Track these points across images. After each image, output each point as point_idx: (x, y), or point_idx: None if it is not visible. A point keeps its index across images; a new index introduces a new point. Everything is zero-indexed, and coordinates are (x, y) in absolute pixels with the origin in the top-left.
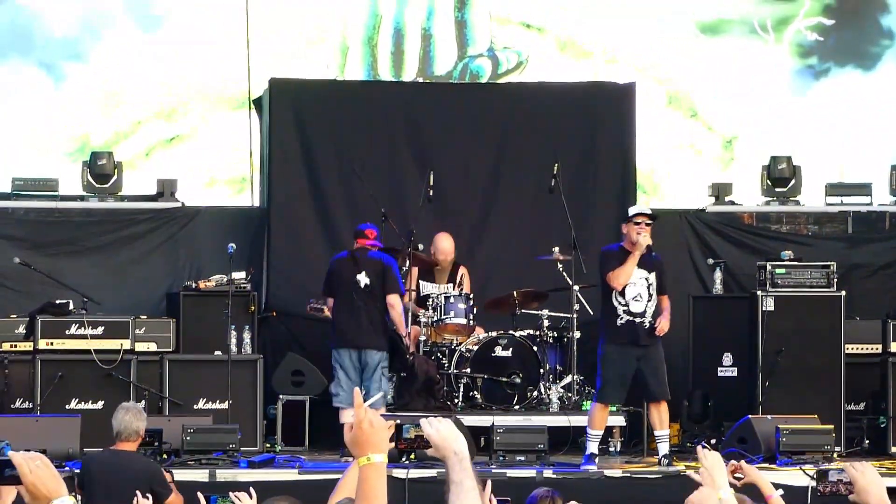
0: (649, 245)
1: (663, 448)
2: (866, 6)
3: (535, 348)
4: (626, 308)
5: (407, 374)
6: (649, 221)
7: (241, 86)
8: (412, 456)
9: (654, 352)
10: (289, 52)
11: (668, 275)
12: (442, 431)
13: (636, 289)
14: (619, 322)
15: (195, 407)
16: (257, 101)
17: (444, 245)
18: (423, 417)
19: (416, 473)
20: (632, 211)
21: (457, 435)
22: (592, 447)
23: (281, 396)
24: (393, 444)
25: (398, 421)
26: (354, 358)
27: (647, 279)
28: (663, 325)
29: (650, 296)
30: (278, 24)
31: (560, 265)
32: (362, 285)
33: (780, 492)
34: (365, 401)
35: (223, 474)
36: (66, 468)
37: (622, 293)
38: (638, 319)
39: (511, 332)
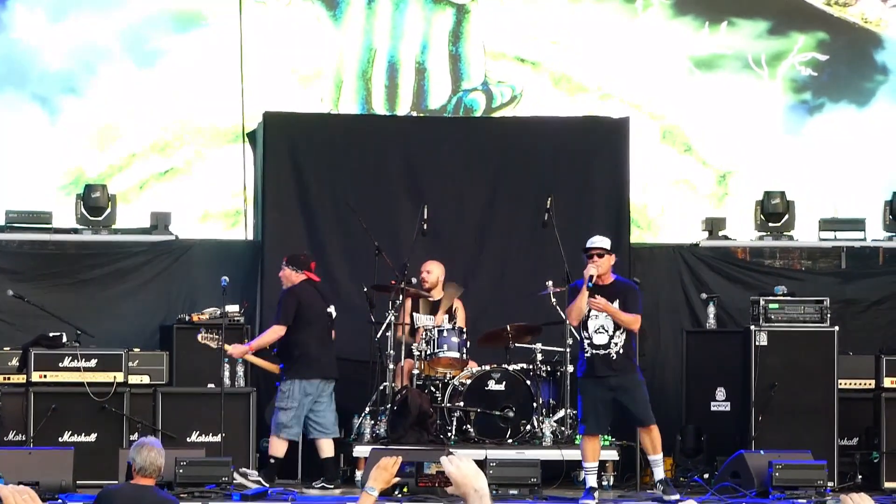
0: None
1: (658, 473)
2: (860, 42)
3: (528, 382)
4: (589, 341)
5: (400, 408)
6: (601, 253)
7: (234, 119)
8: (405, 489)
9: (627, 380)
10: (283, 85)
11: (639, 297)
12: (462, 469)
13: (598, 321)
14: (586, 356)
15: (188, 440)
16: (251, 134)
17: (430, 266)
18: (416, 450)
19: None
20: (587, 243)
21: (477, 472)
22: (591, 481)
23: None
24: (393, 481)
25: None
26: (317, 388)
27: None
28: (596, 301)
29: (616, 326)
30: (272, 57)
31: (553, 299)
32: (334, 316)
33: None
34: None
35: None
36: (59, 500)
37: (584, 327)
38: (602, 352)
39: (504, 365)
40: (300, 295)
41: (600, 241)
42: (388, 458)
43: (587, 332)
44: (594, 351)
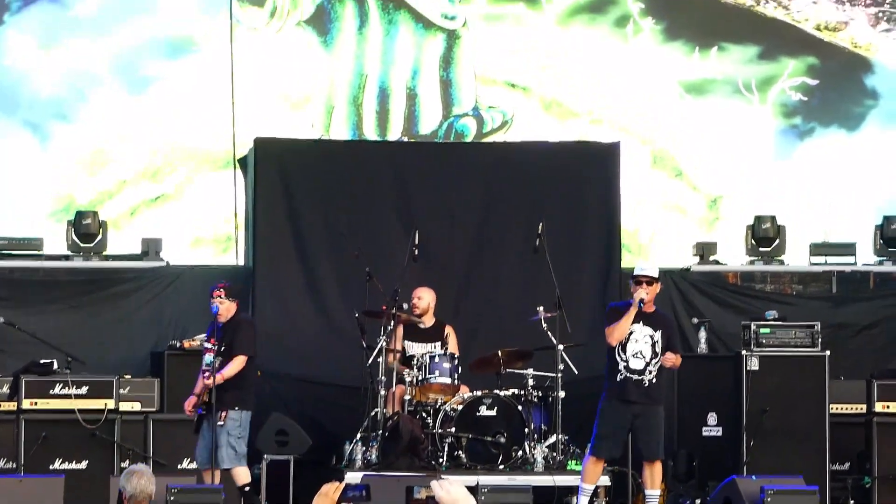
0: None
1: None
2: (850, 66)
3: (519, 408)
4: (625, 364)
5: (391, 434)
6: (652, 280)
7: (226, 145)
8: None
9: (651, 411)
10: (274, 111)
11: (678, 334)
12: (452, 493)
13: (637, 346)
14: (618, 378)
15: (179, 467)
16: (242, 160)
17: (421, 292)
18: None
19: None
20: (636, 271)
21: (466, 497)
22: (583, 502)
23: (265, 456)
24: None
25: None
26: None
27: (651, 336)
28: (669, 356)
29: (654, 354)
30: (263, 83)
31: (545, 324)
32: None
33: None
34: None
35: None
36: None
37: (623, 349)
38: (636, 377)
39: (496, 391)
40: (254, 325)
41: (651, 270)
42: (330, 485)
43: (624, 354)
44: (628, 374)
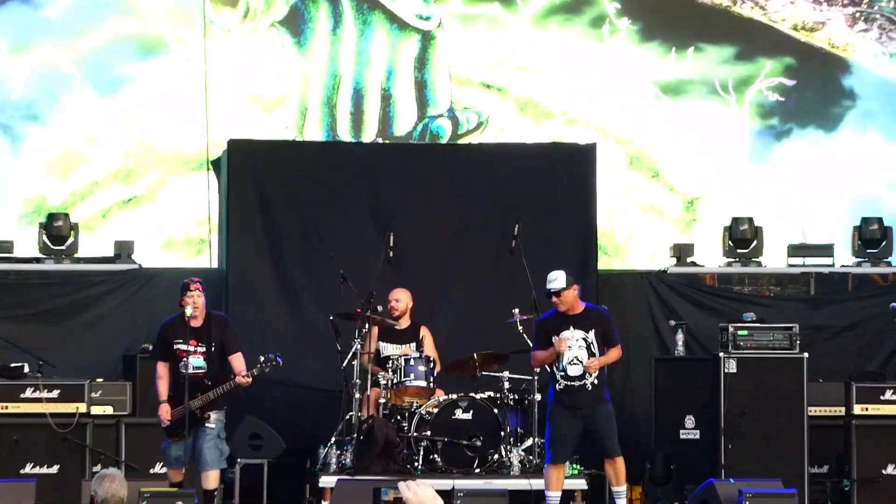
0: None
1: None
2: (828, 67)
3: (495, 411)
4: (563, 374)
5: (366, 438)
6: (559, 292)
7: (198, 146)
8: None
9: (599, 412)
10: (247, 112)
11: (614, 325)
12: (420, 495)
13: (572, 352)
14: (558, 387)
15: (151, 472)
16: (215, 162)
17: (398, 294)
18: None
19: None
20: (545, 286)
21: (434, 498)
22: None
23: (239, 460)
24: None
25: None
26: None
27: (585, 339)
28: (591, 362)
29: (591, 355)
30: (237, 84)
31: (520, 327)
32: None
33: None
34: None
35: None
36: None
37: (557, 358)
38: (577, 383)
39: (471, 394)
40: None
41: (555, 282)
42: None
43: (560, 364)
44: (568, 383)
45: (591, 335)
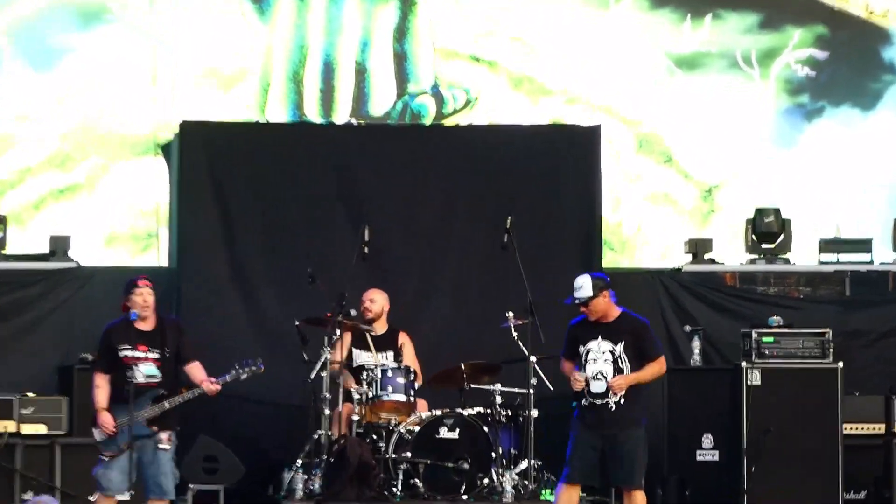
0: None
1: None
2: (864, 36)
3: (486, 429)
4: (587, 389)
5: (337, 460)
6: (585, 302)
7: (146, 129)
8: None
9: (623, 436)
10: (202, 90)
11: (654, 335)
12: None
13: (596, 366)
14: (583, 403)
15: (90, 498)
16: (165, 146)
17: (373, 295)
18: None
19: None
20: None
21: None
22: None
23: (191, 486)
24: None
25: None
26: None
27: (611, 352)
28: (617, 381)
29: (618, 371)
30: (190, 58)
31: (515, 333)
32: None
33: None
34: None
35: None
36: None
37: (581, 371)
38: (599, 401)
39: (458, 409)
40: None
41: (580, 290)
42: None
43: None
44: (591, 400)
45: (620, 348)
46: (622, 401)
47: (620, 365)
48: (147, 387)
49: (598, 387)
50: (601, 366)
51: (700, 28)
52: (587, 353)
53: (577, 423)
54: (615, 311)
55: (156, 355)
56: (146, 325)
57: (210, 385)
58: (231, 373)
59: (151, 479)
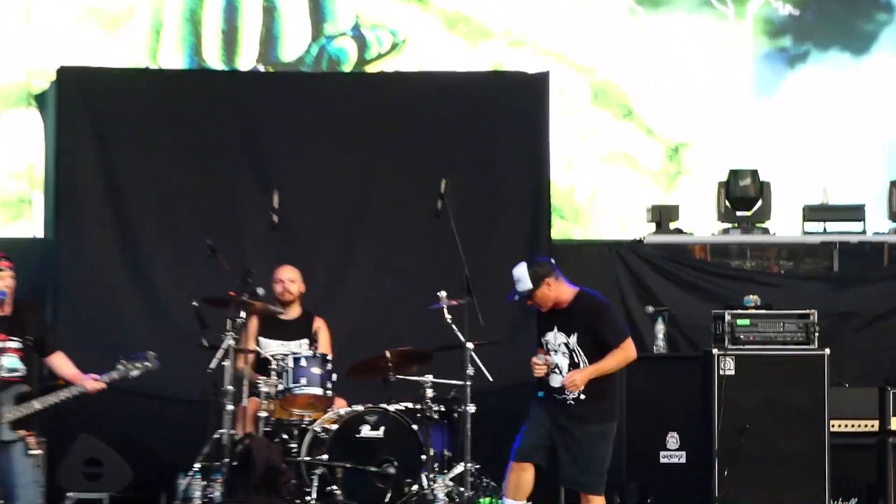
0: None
1: None
2: None
3: (414, 427)
4: (546, 381)
5: (242, 463)
6: (524, 296)
7: (17, 77)
8: None
9: (582, 434)
10: (83, 32)
11: (615, 316)
12: None
13: (554, 359)
14: (540, 393)
15: None
16: (40, 96)
17: (282, 274)
18: None
19: None
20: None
21: None
22: None
23: (70, 494)
24: None
25: None
26: None
27: (566, 344)
28: (570, 378)
29: (573, 365)
30: None
31: (449, 316)
32: None
33: None
34: None
35: None
36: None
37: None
38: (557, 396)
39: (383, 405)
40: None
41: (519, 284)
42: None
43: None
44: (551, 394)
45: (573, 340)
46: (582, 396)
47: (576, 359)
48: (9, 382)
49: (555, 381)
50: (558, 359)
51: None
52: (547, 344)
53: (535, 403)
54: (568, 294)
55: (17, 345)
56: (3, 311)
57: (93, 383)
58: (118, 368)
59: (19, 489)
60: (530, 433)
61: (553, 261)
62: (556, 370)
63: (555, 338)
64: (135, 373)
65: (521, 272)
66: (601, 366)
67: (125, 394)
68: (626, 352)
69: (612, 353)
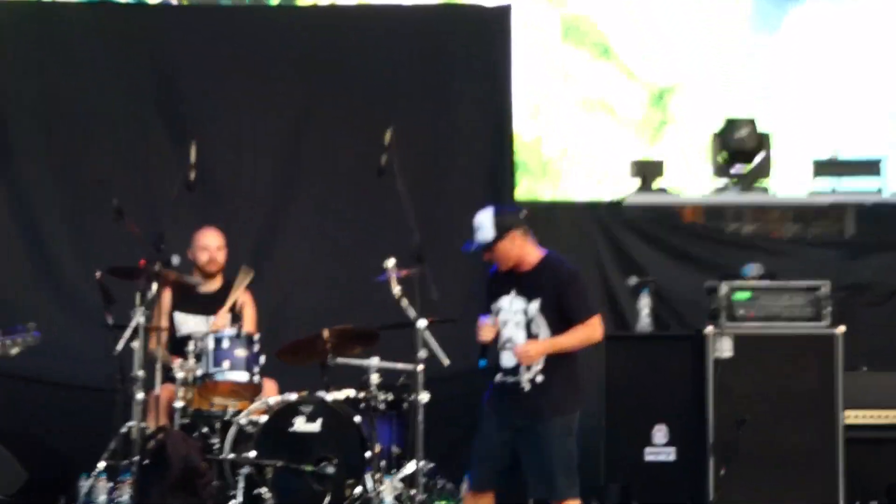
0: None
1: None
2: None
3: (357, 419)
4: (497, 363)
5: (155, 462)
6: (487, 246)
7: None
8: None
9: (541, 428)
10: None
11: (585, 287)
12: None
13: (507, 330)
14: (495, 379)
15: None
16: None
17: (208, 240)
18: None
19: None
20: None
21: None
22: None
23: None
24: None
25: None
26: None
27: (524, 312)
28: (524, 349)
29: (529, 337)
30: None
31: (397, 288)
32: None
33: None
34: None
35: None
36: None
37: (496, 338)
38: (510, 379)
39: (320, 393)
40: None
41: (479, 232)
42: None
43: (496, 346)
44: (501, 377)
45: (534, 307)
46: (538, 378)
47: (534, 330)
48: None
49: (507, 360)
50: (511, 331)
51: None
52: (498, 312)
53: (485, 409)
54: (534, 256)
55: None
56: None
57: None
58: None
59: None
60: (486, 456)
61: (525, 212)
62: (509, 345)
63: (511, 303)
64: (14, 350)
65: (485, 219)
66: (559, 340)
67: (17, 381)
68: (592, 330)
69: (577, 327)
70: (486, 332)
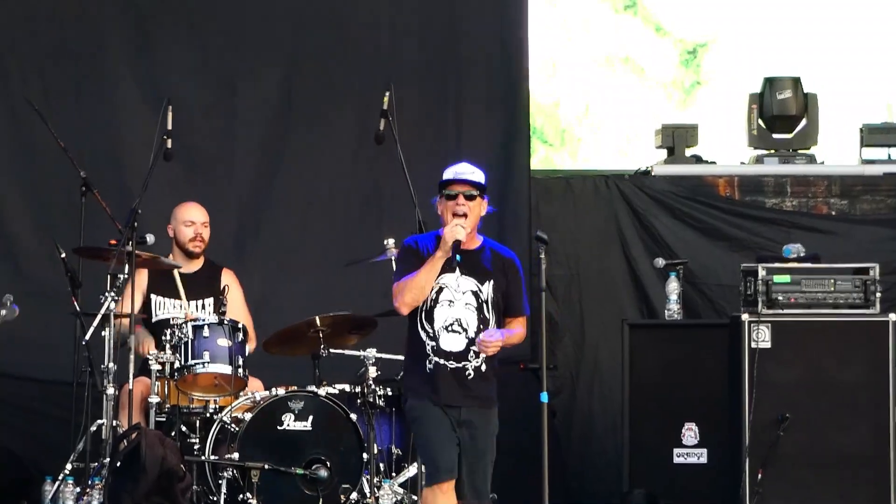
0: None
1: None
2: None
3: (353, 417)
4: (434, 344)
5: (128, 464)
6: (473, 193)
7: None
8: None
9: (483, 419)
10: None
11: (526, 281)
12: None
13: (454, 311)
14: (426, 366)
15: None
16: None
17: (192, 214)
18: None
19: None
20: (446, 175)
21: None
22: None
23: None
24: None
25: None
26: None
27: (476, 294)
28: (491, 338)
29: (482, 322)
30: None
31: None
32: None
33: None
34: None
35: None
36: None
37: (428, 317)
38: (453, 364)
39: (312, 388)
40: None
41: (471, 173)
42: None
43: (432, 326)
44: (440, 360)
45: (488, 289)
46: (483, 367)
47: (486, 314)
48: None
49: (452, 342)
50: (460, 312)
51: None
52: (439, 291)
53: (416, 395)
54: (478, 239)
55: None
56: None
57: None
58: None
59: None
60: (437, 447)
61: None
62: (457, 327)
63: (458, 283)
64: None
65: (477, 169)
66: (509, 336)
67: None
68: (524, 331)
69: (517, 322)
70: (489, 346)
